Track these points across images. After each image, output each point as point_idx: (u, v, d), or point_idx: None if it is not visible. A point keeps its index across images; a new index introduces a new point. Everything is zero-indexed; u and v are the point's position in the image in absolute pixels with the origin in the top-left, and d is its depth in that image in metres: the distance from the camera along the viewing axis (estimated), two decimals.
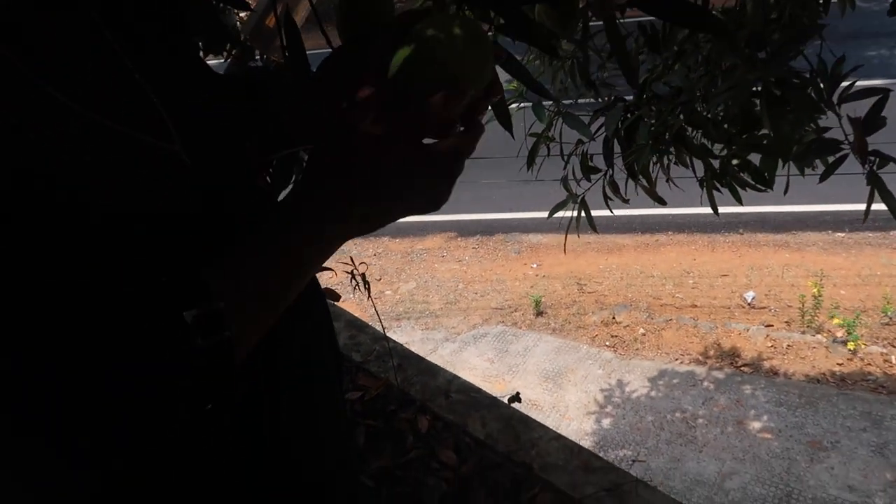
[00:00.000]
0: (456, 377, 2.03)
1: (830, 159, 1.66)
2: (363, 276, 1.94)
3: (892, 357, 4.79)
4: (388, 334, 2.31)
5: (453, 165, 0.54)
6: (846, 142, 1.60)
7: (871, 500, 3.84)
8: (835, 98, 1.63)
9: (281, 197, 0.56)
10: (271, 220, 0.53)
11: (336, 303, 1.86)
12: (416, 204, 0.56)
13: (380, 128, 0.51)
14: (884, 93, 1.52)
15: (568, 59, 2.22)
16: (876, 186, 1.54)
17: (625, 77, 0.74)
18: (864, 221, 1.72)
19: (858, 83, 1.71)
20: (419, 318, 6.44)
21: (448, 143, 0.54)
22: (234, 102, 0.69)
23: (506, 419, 1.83)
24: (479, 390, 1.95)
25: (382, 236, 7.63)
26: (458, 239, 7.47)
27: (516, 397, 2.00)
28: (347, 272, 2.07)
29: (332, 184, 0.53)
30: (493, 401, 1.91)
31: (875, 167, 1.58)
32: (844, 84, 1.67)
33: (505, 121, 0.87)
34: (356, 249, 7.36)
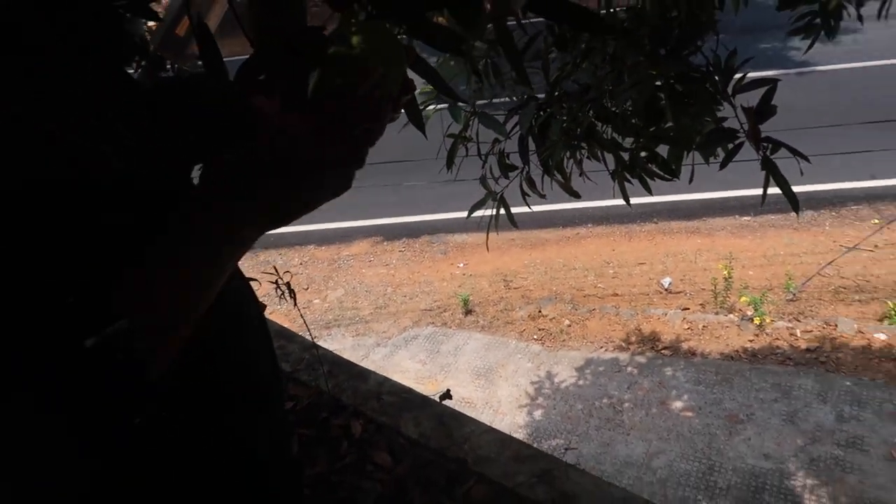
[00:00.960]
0: (387, 380, 2.03)
1: (729, 147, 1.76)
2: (288, 285, 1.91)
3: (797, 330, 5.11)
4: (319, 343, 2.29)
5: (363, 153, 0.58)
6: (742, 130, 1.70)
7: (785, 466, 4.08)
8: (730, 90, 1.74)
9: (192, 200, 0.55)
10: (183, 224, 0.53)
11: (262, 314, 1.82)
12: (327, 193, 0.57)
13: (298, 126, 0.52)
14: (773, 83, 1.62)
15: (482, 60, 2.26)
16: (770, 171, 1.65)
17: (515, 75, 0.77)
18: (762, 204, 1.83)
19: (753, 75, 1.82)
20: (349, 324, 6.39)
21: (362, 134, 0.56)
22: (157, 111, 0.69)
23: (438, 417, 1.85)
24: (410, 391, 1.96)
25: (308, 244, 7.52)
26: (385, 243, 7.45)
27: (447, 395, 2.03)
28: (272, 282, 2.03)
29: (248, 183, 0.53)
30: (425, 400, 1.93)
31: (769, 153, 1.68)
32: (739, 76, 1.78)
33: (417, 122, 0.88)
34: (281, 259, 7.23)
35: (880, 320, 5.15)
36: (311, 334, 2.07)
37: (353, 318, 6.46)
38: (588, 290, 6.26)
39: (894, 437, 4.12)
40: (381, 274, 7.01)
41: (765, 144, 1.67)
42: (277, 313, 6.00)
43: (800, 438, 4.27)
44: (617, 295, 6.13)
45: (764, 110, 1.58)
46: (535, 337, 5.75)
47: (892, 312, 5.08)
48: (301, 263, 7.27)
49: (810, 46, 2.22)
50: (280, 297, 2.05)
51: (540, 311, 6.00)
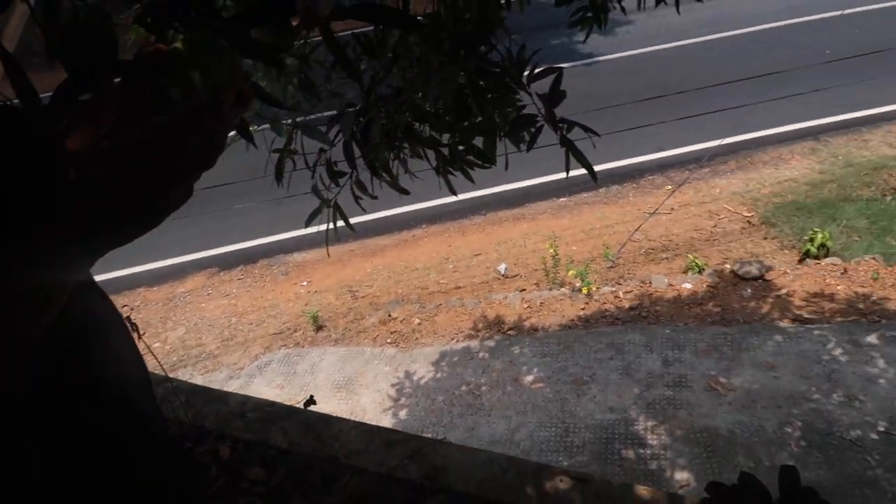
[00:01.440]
0: (249, 398, 2.02)
1: (531, 131, 1.96)
2: (129, 319, 1.84)
3: (620, 293, 5.67)
4: (172, 377, 2.21)
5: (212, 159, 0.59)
6: (540, 115, 1.90)
7: (628, 414, 4.53)
8: (525, 80, 1.95)
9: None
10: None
11: None
12: (171, 206, 0.58)
13: (134, 144, 0.53)
14: (559, 71, 1.84)
15: (295, 75, 2.32)
16: (568, 147, 1.87)
17: (353, 80, 0.85)
18: (567, 176, 2.06)
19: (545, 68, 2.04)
20: (196, 363, 6.10)
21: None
22: None
23: (305, 423, 1.88)
24: (273, 404, 1.97)
25: (137, 287, 7.04)
26: (222, 273, 7.18)
27: (311, 400, 2.06)
28: None
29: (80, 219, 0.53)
30: (290, 409, 1.95)
31: (565, 132, 1.90)
32: (533, 68, 1.99)
33: (245, 134, 0.94)
34: None
35: (685, 272, 5.85)
36: (162, 367, 2.00)
37: (199, 355, 6.17)
38: (432, 287, 6.48)
39: (710, 370, 4.72)
40: (223, 305, 6.75)
41: (561, 125, 1.88)
42: None
43: (636, 387, 4.74)
44: (460, 287, 6.41)
45: (555, 95, 1.79)
46: (389, 340, 5.86)
47: (693, 264, 5.79)
48: (132, 308, 6.80)
49: (587, 37, 2.52)
50: None
51: (389, 315, 6.11)
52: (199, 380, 5.82)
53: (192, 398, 1.99)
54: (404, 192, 2.15)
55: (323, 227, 2.28)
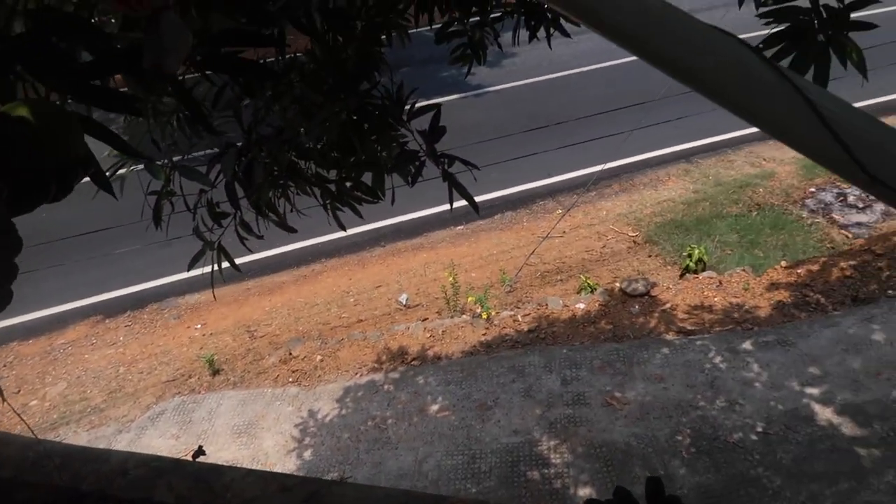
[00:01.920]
0: (133, 454, 1.90)
1: (415, 165, 2.00)
2: None
3: (519, 316, 5.81)
4: (44, 439, 2.04)
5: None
6: (422, 151, 1.95)
7: (532, 436, 4.62)
8: (405, 117, 1.99)
9: None
10: None
11: None
12: None
13: None
14: (437, 107, 1.90)
15: (173, 114, 2.26)
16: (450, 182, 1.92)
17: (201, 127, 0.85)
18: (450, 211, 2.12)
19: (438, 100, 2.11)
20: (80, 418, 5.68)
21: None
22: None
23: (194, 475, 1.79)
24: (160, 458, 1.86)
25: (9, 342, 6.51)
26: (107, 321, 6.76)
27: (200, 451, 1.97)
28: None
29: None
30: (177, 462, 1.84)
31: (447, 166, 1.96)
32: (416, 103, 2.04)
33: (104, 185, 0.91)
34: None
35: (578, 292, 6.09)
36: (30, 429, 1.85)
37: (83, 410, 5.75)
38: (334, 322, 6.39)
39: (605, 386, 4.91)
40: (109, 355, 6.35)
41: (442, 160, 1.94)
42: None
43: (538, 408, 4.85)
44: (362, 321, 6.36)
45: (434, 131, 1.85)
46: (291, 380, 5.71)
47: (586, 285, 6.04)
48: (5, 365, 6.27)
49: (468, 72, 2.61)
50: None
51: (290, 354, 5.96)
52: (83, 437, 5.43)
53: (67, 460, 1.84)
54: (291, 230, 2.13)
55: (212, 268, 2.22)
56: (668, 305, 5.60)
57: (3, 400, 1.82)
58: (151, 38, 0.60)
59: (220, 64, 0.79)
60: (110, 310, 6.83)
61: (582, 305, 5.79)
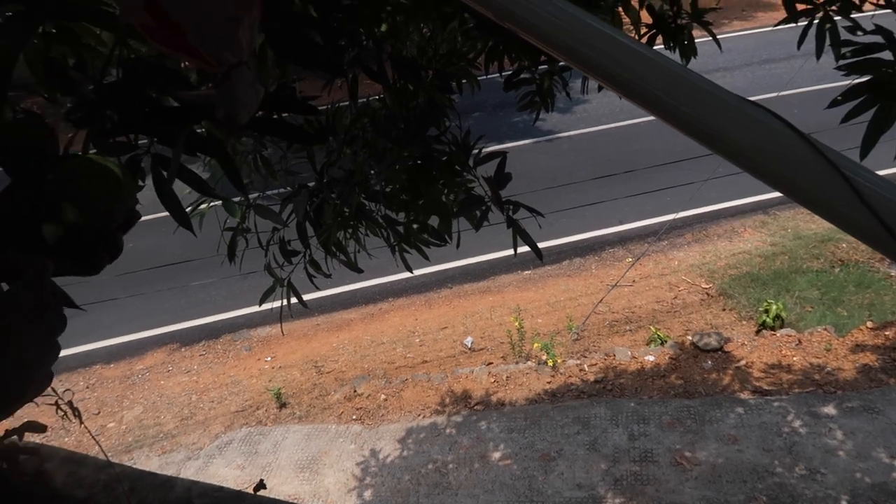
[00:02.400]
0: (196, 483, 1.95)
1: (481, 210, 2.02)
2: (71, 404, 1.79)
3: (585, 365, 5.68)
4: (117, 463, 2.12)
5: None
6: (488, 197, 1.97)
7: (596, 491, 4.46)
8: (472, 164, 2.02)
9: None
10: None
11: (43, 440, 1.69)
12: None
13: None
14: (503, 155, 1.92)
15: (249, 154, 2.37)
16: (515, 229, 1.93)
17: (232, 184, 0.90)
18: (514, 256, 2.12)
19: (509, 145, 2.14)
20: (153, 443, 5.89)
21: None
22: None
23: None
24: (221, 488, 1.91)
25: (93, 365, 6.85)
26: (183, 349, 7.03)
27: (261, 485, 2.00)
28: (51, 403, 1.89)
29: None
30: (239, 495, 1.88)
31: (512, 213, 1.96)
32: (482, 151, 2.07)
33: (184, 222, 0.96)
34: (63, 386, 6.49)
35: (648, 344, 5.91)
36: (104, 452, 1.93)
37: (156, 435, 5.96)
38: (399, 361, 6.42)
39: (675, 444, 4.71)
40: (183, 382, 6.58)
41: (507, 206, 1.95)
42: (68, 442, 5.38)
43: (603, 463, 4.70)
44: (426, 362, 6.36)
45: (500, 178, 1.87)
46: (354, 417, 5.75)
47: (656, 336, 5.86)
48: (88, 387, 6.60)
49: (535, 119, 2.64)
50: (64, 423, 1.91)
51: (355, 391, 6.02)
52: (155, 461, 5.61)
53: (136, 485, 1.91)
54: (359, 271, 2.17)
55: (281, 304, 2.29)
56: (742, 362, 5.35)
57: (81, 423, 1.92)
58: (224, 91, 0.64)
59: (265, 126, 0.83)
60: (186, 339, 7.11)
61: (651, 358, 5.61)
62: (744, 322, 6.05)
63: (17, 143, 0.88)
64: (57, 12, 0.91)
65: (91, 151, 0.85)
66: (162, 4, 0.58)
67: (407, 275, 7.14)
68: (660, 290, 6.68)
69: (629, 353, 5.73)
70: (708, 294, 6.51)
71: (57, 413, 1.87)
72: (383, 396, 5.92)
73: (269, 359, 6.74)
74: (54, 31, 1.02)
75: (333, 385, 6.22)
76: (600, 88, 2.70)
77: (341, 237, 2.19)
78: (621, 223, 7.71)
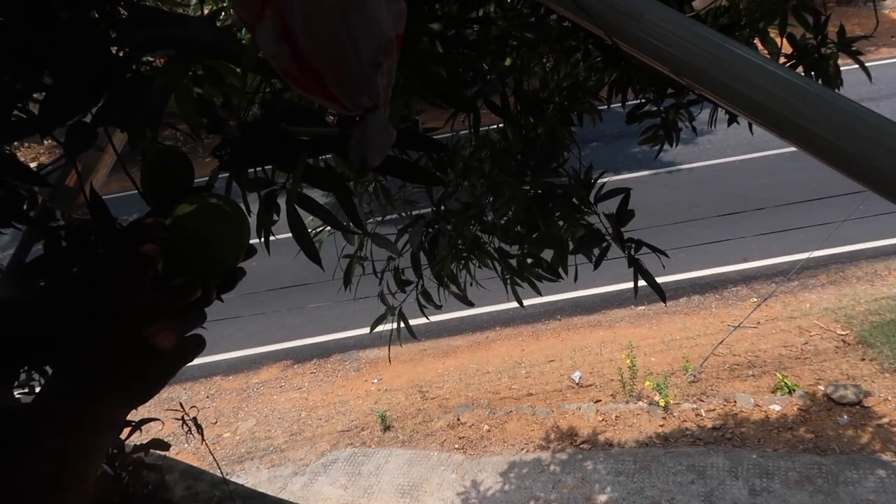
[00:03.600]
0: None
1: (601, 247, 1.94)
2: (195, 420, 1.88)
3: (702, 410, 5.35)
4: (232, 478, 2.21)
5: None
6: (608, 233, 1.89)
7: None
8: (592, 198, 1.95)
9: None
10: (27, 429, 0.54)
11: (166, 453, 1.78)
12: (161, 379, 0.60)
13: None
14: (626, 192, 1.84)
15: (370, 183, 2.42)
16: (636, 268, 1.83)
17: (350, 220, 0.89)
18: (635, 297, 2.01)
19: (627, 176, 2.06)
20: (263, 455, 6.11)
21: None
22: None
23: None
24: None
25: (213, 376, 7.24)
26: (295, 366, 7.29)
27: None
28: (178, 419, 1.99)
29: (94, 378, 0.55)
30: None
31: (633, 252, 1.87)
32: (601, 184, 2.00)
33: (312, 255, 0.96)
34: (186, 394, 6.91)
35: (773, 392, 5.48)
36: (220, 469, 2.01)
37: (266, 448, 6.19)
38: (503, 392, 6.33)
39: None
40: (294, 398, 6.81)
41: (629, 245, 1.86)
42: (186, 453, 5.68)
43: None
44: (531, 394, 6.23)
45: (622, 216, 1.79)
46: (457, 446, 5.70)
47: (783, 384, 5.43)
48: (208, 396, 6.97)
49: (659, 152, 2.52)
50: (187, 434, 2.01)
51: (458, 419, 5.98)
52: (265, 474, 5.81)
53: (247, 503, 1.97)
54: (469, 304, 2.15)
55: (391, 332, 2.30)
56: (885, 420, 4.83)
57: (202, 440, 2.01)
58: (358, 134, 0.63)
59: (394, 169, 0.82)
60: (299, 356, 7.37)
61: (777, 407, 5.20)
62: (887, 375, 5.48)
63: (158, 174, 0.92)
64: (208, 55, 0.96)
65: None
66: (307, 55, 0.58)
67: (512, 304, 7.08)
68: (788, 333, 6.20)
69: (752, 400, 5.33)
70: (844, 341, 5.97)
71: (182, 428, 1.97)
72: (486, 427, 5.84)
73: (375, 381, 6.85)
74: (201, 72, 1.07)
75: (437, 412, 6.22)
76: (730, 122, 2.55)
77: (454, 268, 2.17)
78: (745, 261, 7.26)
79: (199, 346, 0.62)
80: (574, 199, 1.83)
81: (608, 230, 1.86)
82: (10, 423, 0.54)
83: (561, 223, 1.97)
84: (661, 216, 7.48)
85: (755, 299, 6.70)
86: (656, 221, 7.17)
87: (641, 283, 1.87)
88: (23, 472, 0.52)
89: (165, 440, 1.66)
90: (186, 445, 5.84)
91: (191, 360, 0.62)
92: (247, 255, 0.68)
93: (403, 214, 2.30)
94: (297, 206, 0.95)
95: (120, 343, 0.56)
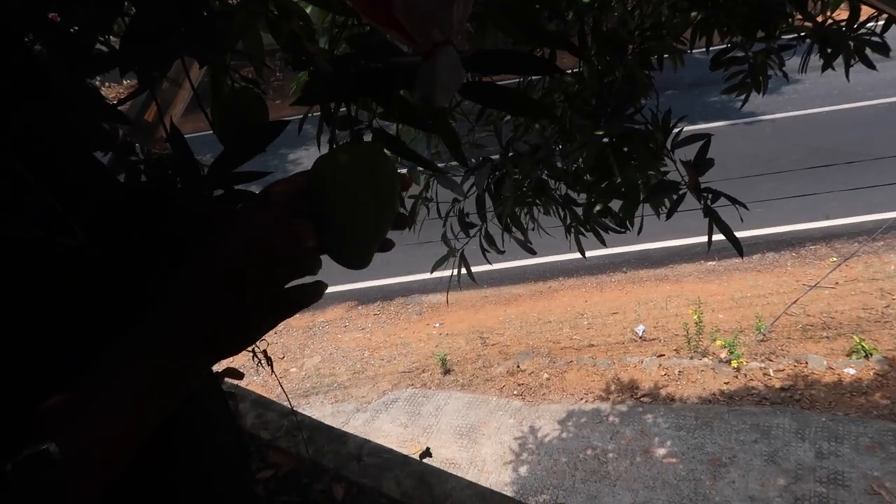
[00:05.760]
0: (367, 441, 2.05)
1: (673, 198, 1.87)
2: (265, 353, 1.95)
3: (770, 370, 5.20)
4: (298, 411, 2.30)
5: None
6: (683, 182, 1.81)
7: None
8: (669, 145, 1.86)
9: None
10: (124, 347, 0.49)
11: (238, 382, 1.86)
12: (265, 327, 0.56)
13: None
14: (707, 138, 1.75)
15: None
16: (712, 218, 1.76)
17: (452, 155, 0.86)
18: (708, 251, 1.94)
19: (704, 126, 1.96)
20: (328, 391, 6.35)
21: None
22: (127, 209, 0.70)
23: (419, 475, 1.87)
24: (390, 451, 1.99)
25: None
26: (359, 307, 7.47)
27: (427, 453, 2.05)
28: (249, 351, 2.07)
29: (200, 307, 0.51)
30: (405, 459, 1.95)
31: (710, 202, 1.79)
32: (678, 131, 1.91)
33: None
34: None
35: (848, 355, 5.26)
36: (289, 400, 2.09)
37: (331, 384, 6.41)
38: (564, 342, 6.32)
39: (873, 470, 4.17)
40: (358, 338, 7.00)
41: (705, 194, 1.78)
42: (255, 384, 5.95)
43: (782, 478, 4.29)
44: (593, 346, 6.20)
45: (700, 163, 1.70)
46: (515, 392, 5.76)
47: (859, 347, 5.20)
48: (276, 333, 7.25)
49: (745, 102, 2.39)
50: (258, 366, 2.08)
51: (518, 367, 6.02)
52: (328, 408, 6.04)
53: (314, 434, 2.05)
54: (531, 251, 2.12)
55: (451, 274, 2.30)
56: None
57: (272, 372, 2.08)
58: (426, 70, 0.60)
59: (479, 94, 0.78)
60: (364, 298, 7.54)
61: (851, 371, 5.00)
62: None
63: (232, 113, 0.92)
64: None
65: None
66: None
67: (579, 255, 6.99)
68: (868, 296, 5.90)
69: (825, 362, 5.14)
70: None
71: (253, 360, 2.05)
72: (546, 375, 5.86)
73: (437, 325, 6.95)
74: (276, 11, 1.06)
75: (497, 358, 6.27)
76: (824, 68, 2.38)
77: (518, 212, 2.14)
78: (827, 218, 6.90)
79: (317, 293, 0.59)
80: (651, 146, 1.76)
81: (683, 179, 1.79)
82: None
83: (636, 171, 1.89)
84: (738, 169, 7.17)
85: (835, 259, 6.39)
86: (733, 174, 6.87)
87: (716, 237, 1.79)
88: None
89: (238, 370, 1.73)
90: (256, 377, 6.10)
91: (308, 305, 0.59)
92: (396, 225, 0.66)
93: (470, 160, 2.26)
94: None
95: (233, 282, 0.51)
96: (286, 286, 0.56)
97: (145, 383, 0.48)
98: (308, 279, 0.59)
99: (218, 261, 0.52)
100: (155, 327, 0.50)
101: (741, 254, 1.76)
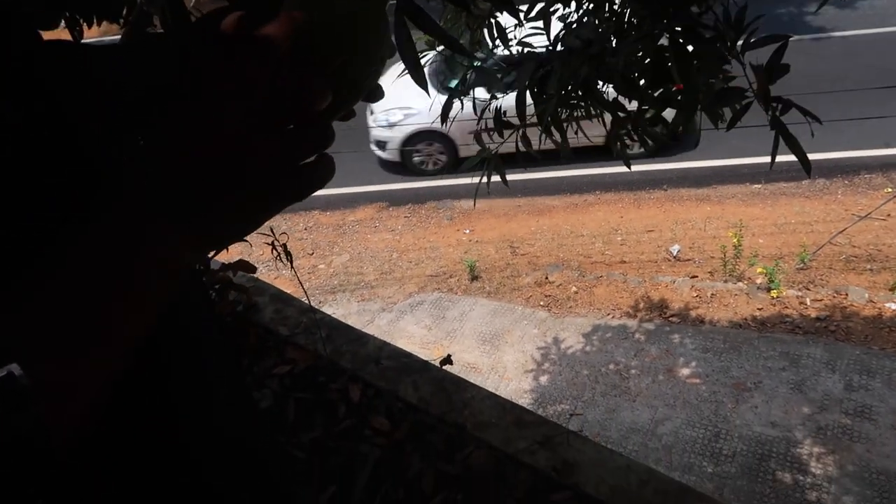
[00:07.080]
0: (386, 344, 2.01)
1: (736, 108, 1.69)
2: (285, 247, 1.87)
3: (807, 299, 5.05)
4: (323, 308, 2.27)
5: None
6: (751, 90, 1.62)
7: (792, 434, 4.07)
8: (739, 48, 1.66)
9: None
10: (93, 226, 0.38)
11: (255, 276, 1.80)
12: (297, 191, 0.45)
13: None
14: (784, 39, 1.55)
15: (486, 19, 2.20)
16: (780, 131, 1.58)
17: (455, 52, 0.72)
18: (770, 168, 1.77)
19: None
20: (354, 289, 6.39)
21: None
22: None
23: (437, 382, 1.83)
24: (409, 355, 1.94)
25: (312, 209, 7.49)
26: (390, 209, 7.41)
27: (448, 360, 2.00)
28: (268, 244, 1.99)
29: (187, 180, 0.39)
30: (425, 365, 1.90)
31: (778, 113, 1.61)
32: (751, 36, 1.70)
33: (420, 80, 0.83)
34: (286, 224, 7.20)
35: (892, 290, 5.07)
36: (308, 298, 2.04)
37: (358, 283, 6.45)
38: (595, 257, 6.21)
39: None
40: (387, 240, 6.98)
41: (775, 105, 1.59)
42: (282, 279, 6.00)
43: (807, 407, 4.24)
44: (625, 262, 6.08)
45: (774, 68, 1.51)
46: (542, 303, 5.73)
47: None
48: (306, 229, 7.26)
49: (819, 7, 2.13)
50: (275, 260, 2.02)
51: (546, 278, 5.96)
52: (354, 306, 6.10)
53: (332, 333, 2.01)
54: (569, 158, 1.97)
55: (480, 178, 2.17)
56: None
57: (292, 268, 2.03)
58: None
59: None
60: (394, 199, 7.46)
61: (893, 306, 4.83)
62: None
63: None
64: None
65: None
66: None
67: (618, 168, 6.75)
68: None
69: (866, 295, 4.97)
70: None
71: (272, 253, 1.99)
72: (574, 289, 5.80)
73: (467, 231, 6.88)
74: None
75: (526, 268, 6.21)
76: None
77: (560, 112, 1.97)
78: (888, 146, 6.50)
79: (330, 170, 0.46)
80: (718, 45, 1.56)
81: (751, 86, 1.60)
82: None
83: (698, 77, 1.71)
84: (798, 87, 6.65)
85: (890, 189, 6.07)
86: (792, 92, 6.44)
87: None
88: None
89: (251, 263, 1.66)
90: (285, 272, 6.15)
91: (320, 188, 0.47)
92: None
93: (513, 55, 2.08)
94: (406, 20, 0.80)
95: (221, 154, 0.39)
96: (293, 162, 0.44)
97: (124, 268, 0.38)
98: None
99: (207, 126, 0.39)
100: (138, 204, 0.38)
101: (809, 173, 1.59)
